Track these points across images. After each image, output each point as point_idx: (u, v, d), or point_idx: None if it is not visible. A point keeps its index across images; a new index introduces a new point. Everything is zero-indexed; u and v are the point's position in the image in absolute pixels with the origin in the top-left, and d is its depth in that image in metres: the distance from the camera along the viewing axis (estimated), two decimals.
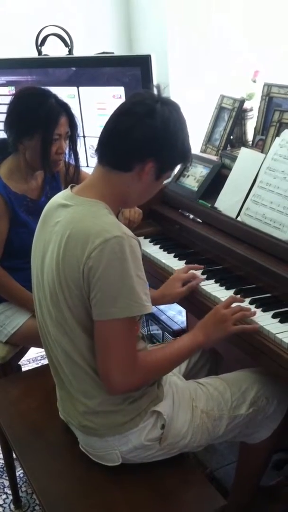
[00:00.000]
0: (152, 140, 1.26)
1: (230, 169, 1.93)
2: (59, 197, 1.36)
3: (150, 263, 1.87)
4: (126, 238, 1.20)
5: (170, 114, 1.28)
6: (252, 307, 1.50)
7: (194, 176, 2.08)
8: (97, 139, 1.33)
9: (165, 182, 2.17)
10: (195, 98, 2.75)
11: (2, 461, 1.91)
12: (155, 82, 2.45)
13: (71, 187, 1.36)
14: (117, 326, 1.21)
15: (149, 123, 1.25)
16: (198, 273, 1.72)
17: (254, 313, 1.45)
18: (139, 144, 1.26)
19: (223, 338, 1.42)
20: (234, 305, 1.46)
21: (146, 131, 1.26)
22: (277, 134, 1.82)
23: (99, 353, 1.24)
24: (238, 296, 1.53)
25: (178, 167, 2.19)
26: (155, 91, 1.32)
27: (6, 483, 2.01)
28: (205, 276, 1.70)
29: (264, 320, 1.45)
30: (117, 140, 1.28)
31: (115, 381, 1.24)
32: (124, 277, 1.19)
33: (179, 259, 1.85)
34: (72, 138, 1.94)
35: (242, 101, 2.11)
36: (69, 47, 2.71)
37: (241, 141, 2.17)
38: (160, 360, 1.33)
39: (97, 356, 1.25)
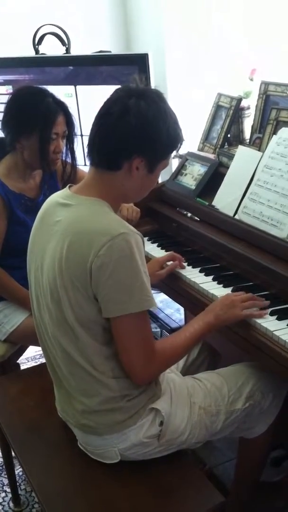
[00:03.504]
0: (131, 137, 1.26)
1: (227, 167, 1.93)
2: (57, 196, 1.36)
3: (148, 261, 1.88)
4: (131, 234, 1.21)
5: (147, 107, 1.26)
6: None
7: (192, 175, 2.08)
8: None
9: (162, 180, 2.19)
10: (193, 97, 2.75)
11: (1, 460, 1.92)
12: (152, 81, 2.45)
13: (69, 187, 1.36)
14: (133, 320, 1.23)
15: (124, 121, 1.25)
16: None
17: (265, 309, 1.46)
18: (120, 143, 1.26)
19: (232, 322, 1.43)
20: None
21: (123, 129, 1.25)
22: (274, 132, 1.82)
23: (119, 349, 1.28)
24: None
25: (177, 161, 2.22)
26: (134, 84, 1.31)
27: (5, 481, 2.01)
28: (186, 263, 1.77)
29: (262, 317, 1.45)
30: (100, 141, 1.29)
31: (139, 371, 1.29)
32: (134, 273, 1.21)
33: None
34: (69, 137, 1.95)
35: (239, 99, 2.12)
36: (66, 46, 2.71)
37: (238, 139, 2.18)
38: (176, 345, 1.35)
39: (118, 351, 1.28)
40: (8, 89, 2.73)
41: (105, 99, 1.33)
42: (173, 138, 1.33)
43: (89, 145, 1.32)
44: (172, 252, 1.81)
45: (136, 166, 1.29)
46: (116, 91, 1.33)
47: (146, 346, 1.28)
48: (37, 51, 2.73)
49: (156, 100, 1.29)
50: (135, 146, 1.27)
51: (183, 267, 1.77)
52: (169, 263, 1.77)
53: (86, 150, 1.34)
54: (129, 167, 1.29)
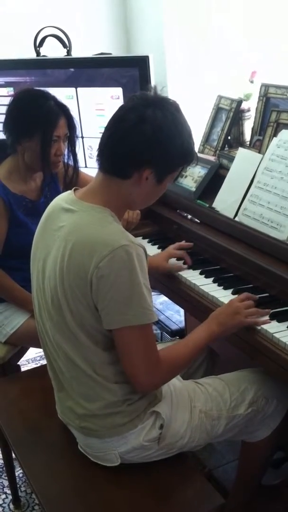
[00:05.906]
0: (145, 146, 1.24)
1: (227, 169, 1.93)
2: (62, 200, 1.35)
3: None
4: (133, 246, 1.20)
5: (164, 118, 1.24)
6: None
7: (192, 176, 2.09)
8: (95, 139, 1.33)
9: None
10: (193, 99, 2.75)
11: (2, 461, 1.92)
12: (153, 83, 2.46)
13: (74, 190, 1.35)
14: (134, 332, 1.22)
15: (139, 130, 1.23)
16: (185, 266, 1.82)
17: (268, 318, 1.45)
18: (132, 152, 1.25)
19: (236, 329, 1.43)
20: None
21: (137, 139, 1.24)
22: (275, 134, 1.82)
23: (122, 359, 1.27)
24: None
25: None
26: (152, 92, 1.30)
27: (6, 483, 2.01)
28: (186, 266, 1.79)
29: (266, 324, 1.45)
30: (112, 148, 1.27)
31: (143, 382, 1.28)
32: (134, 285, 1.19)
33: (177, 259, 1.86)
34: (71, 139, 1.95)
35: (239, 102, 2.12)
36: (67, 48, 2.72)
37: (238, 142, 2.18)
38: (181, 354, 1.34)
39: (121, 361, 1.27)
40: (9, 91, 2.73)
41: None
42: (186, 152, 1.32)
43: (100, 149, 1.30)
44: (185, 252, 1.82)
45: (146, 176, 1.27)
46: (133, 98, 1.30)
47: (149, 357, 1.26)
48: (38, 53, 2.74)
49: (173, 112, 1.27)
50: (147, 156, 1.25)
51: (189, 263, 1.79)
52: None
53: (92, 148, 1.33)
54: (138, 177, 1.27)
